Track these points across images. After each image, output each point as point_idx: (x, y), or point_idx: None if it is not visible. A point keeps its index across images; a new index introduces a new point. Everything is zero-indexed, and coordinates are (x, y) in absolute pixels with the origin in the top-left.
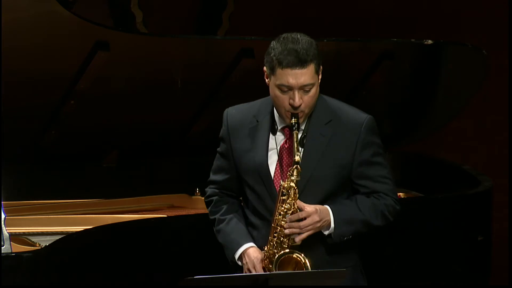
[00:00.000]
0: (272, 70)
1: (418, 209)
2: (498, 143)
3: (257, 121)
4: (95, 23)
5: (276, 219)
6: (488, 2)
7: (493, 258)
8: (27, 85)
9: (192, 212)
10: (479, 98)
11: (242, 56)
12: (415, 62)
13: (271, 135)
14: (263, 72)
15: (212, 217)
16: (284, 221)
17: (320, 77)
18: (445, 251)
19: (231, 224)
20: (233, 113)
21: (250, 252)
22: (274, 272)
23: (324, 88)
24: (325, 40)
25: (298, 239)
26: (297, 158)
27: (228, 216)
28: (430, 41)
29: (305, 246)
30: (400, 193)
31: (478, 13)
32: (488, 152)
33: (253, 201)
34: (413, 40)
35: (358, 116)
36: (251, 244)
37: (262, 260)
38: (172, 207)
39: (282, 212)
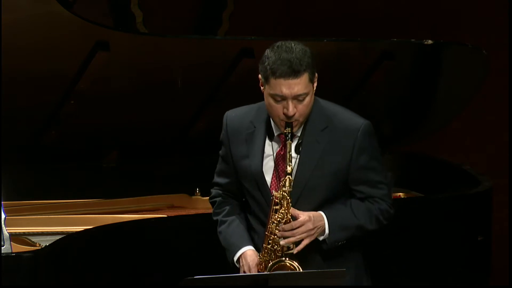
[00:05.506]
0: (266, 80)
1: (418, 209)
2: (498, 143)
3: (254, 126)
4: (95, 23)
5: (269, 227)
6: (488, 2)
7: (493, 258)
8: (27, 85)
9: (192, 212)
10: (479, 98)
11: (242, 56)
12: (415, 62)
13: (267, 141)
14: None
15: (215, 218)
16: (277, 229)
17: (315, 85)
18: (445, 251)
19: (232, 227)
20: (232, 117)
21: (247, 255)
22: (274, 272)
23: (324, 88)
24: (325, 40)
25: (295, 251)
26: (289, 169)
27: (230, 218)
28: (430, 41)
29: (301, 252)
30: (400, 193)
31: (478, 13)
32: (488, 152)
33: (252, 206)
34: (413, 40)
35: (354, 121)
36: (250, 247)
37: (258, 265)
38: (172, 207)
39: (275, 221)
